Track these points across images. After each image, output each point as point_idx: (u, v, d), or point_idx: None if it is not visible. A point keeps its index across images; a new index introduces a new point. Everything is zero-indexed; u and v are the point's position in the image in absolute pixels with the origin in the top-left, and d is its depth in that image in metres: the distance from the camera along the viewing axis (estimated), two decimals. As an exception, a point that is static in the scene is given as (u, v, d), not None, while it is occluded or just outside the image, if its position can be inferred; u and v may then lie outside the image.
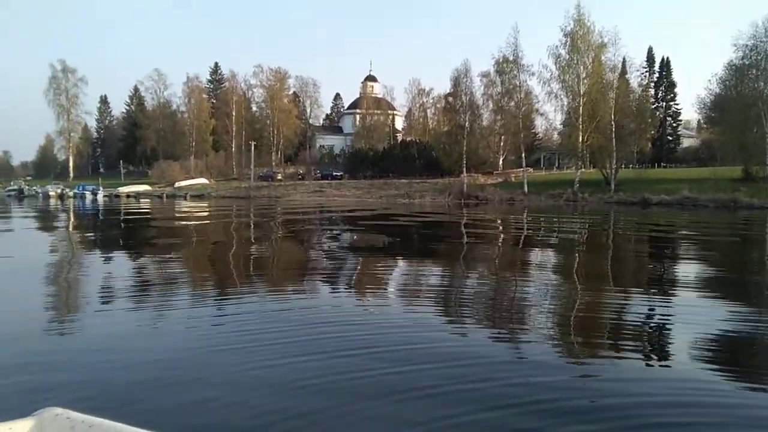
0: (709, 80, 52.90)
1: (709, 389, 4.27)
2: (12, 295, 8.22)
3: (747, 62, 45.17)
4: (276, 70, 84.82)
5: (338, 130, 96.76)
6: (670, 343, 5.67)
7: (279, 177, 72.53)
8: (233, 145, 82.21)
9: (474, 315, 6.86)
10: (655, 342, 5.75)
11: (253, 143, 74.05)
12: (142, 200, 55.26)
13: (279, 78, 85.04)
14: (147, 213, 35.09)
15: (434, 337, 5.66)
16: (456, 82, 60.24)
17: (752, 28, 44.63)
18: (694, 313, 6.74)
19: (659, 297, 8.16)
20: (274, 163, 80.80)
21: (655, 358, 5.20)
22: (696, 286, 9.39)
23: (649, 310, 7.12)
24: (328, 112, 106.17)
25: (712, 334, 5.79)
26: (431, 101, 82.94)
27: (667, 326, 6.35)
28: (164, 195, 61.29)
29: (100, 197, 60.10)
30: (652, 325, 6.49)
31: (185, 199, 57.11)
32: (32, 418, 1.63)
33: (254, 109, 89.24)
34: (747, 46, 44.61)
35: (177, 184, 68.82)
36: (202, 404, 3.94)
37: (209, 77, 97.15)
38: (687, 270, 11.23)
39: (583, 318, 6.67)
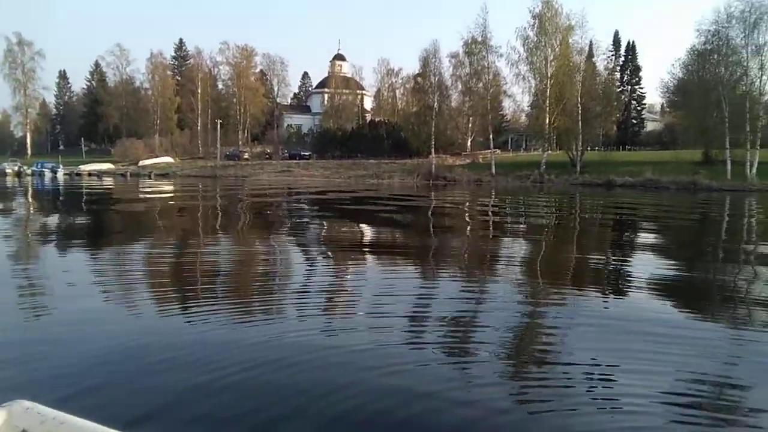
0: (673, 65, 54.11)
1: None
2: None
3: (709, 47, 45.99)
4: (242, 47, 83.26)
5: (306, 110, 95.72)
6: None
7: (246, 156, 71.58)
8: (199, 124, 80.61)
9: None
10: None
11: (219, 122, 72.72)
12: (104, 179, 53.93)
13: (246, 55, 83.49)
14: (110, 192, 34.26)
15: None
16: (425, 62, 60.15)
17: (715, 14, 45.56)
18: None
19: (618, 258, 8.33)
20: (240, 143, 79.65)
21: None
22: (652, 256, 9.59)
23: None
24: (296, 91, 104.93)
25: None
26: (400, 81, 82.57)
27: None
28: (128, 174, 59.95)
29: (60, 175, 58.47)
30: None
31: (149, 177, 55.97)
32: (1, 410, 1.57)
33: (220, 86, 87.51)
34: (709, 31, 45.40)
35: (141, 163, 67.35)
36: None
37: (174, 54, 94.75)
38: (642, 254, 11.44)
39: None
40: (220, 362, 4.18)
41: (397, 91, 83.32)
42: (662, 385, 3.90)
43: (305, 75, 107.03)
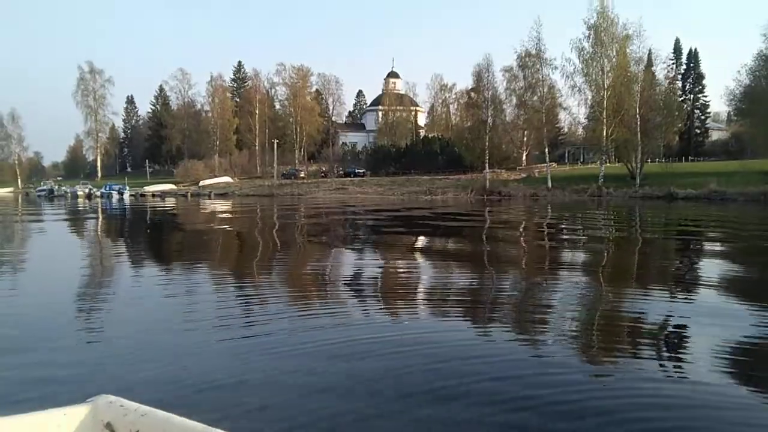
0: (739, 71, 51.80)
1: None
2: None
3: (777, 52, 44.14)
4: (299, 67, 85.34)
5: (361, 127, 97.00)
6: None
7: (302, 175, 73.01)
8: (257, 144, 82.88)
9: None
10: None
11: (275, 141, 74.58)
12: (167, 199, 56.07)
13: (301, 76, 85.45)
14: (172, 212, 35.58)
15: (458, 336, 5.61)
16: (478, 77, 59.98)
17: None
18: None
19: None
20: (297, 161, 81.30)
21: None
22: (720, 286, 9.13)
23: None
24: (351, 109, 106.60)
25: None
26: (454, 97, 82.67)
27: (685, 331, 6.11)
28: (189, 194, 62.12)
29: (126, 196, 61.17)
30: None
31: (209, 197, 57.80)
32: (87, 405, 1.68)
33: (277, 107, 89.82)
34: (776, 35, 43.55)
35: (201, 183, 69.71)
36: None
37: (233, 76, 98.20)
38: (711, 268, 10.97)
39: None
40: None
41: (451, 107, 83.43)
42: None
43: (360, 93, 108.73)
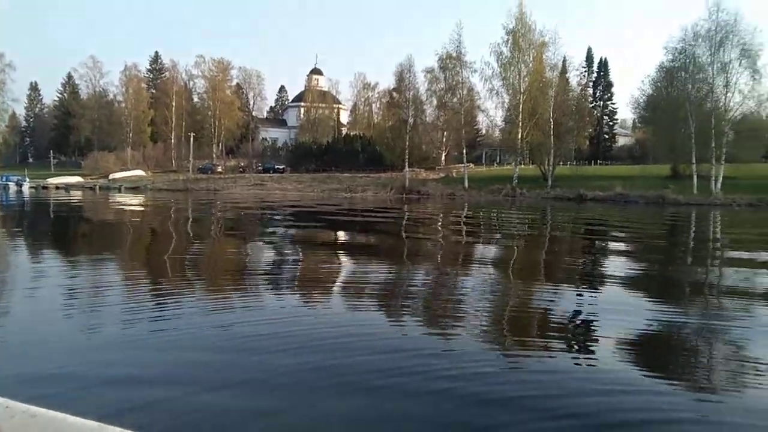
0: (643, 81, 54.96)
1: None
2: None
3: (676, 65, 46.97)
4: (219, 60, 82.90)
5: (282, 123, 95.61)
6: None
7: (219, 170, 71.01)
8: (172, 137, 79.90)
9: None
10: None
11: (192, 134, 72.17)
12: (72, 192, 52.99)
13: (222, 69, 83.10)
14: (77, 205, 33.64)
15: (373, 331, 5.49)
16: (400, 77, 60.49)
17: (682, 32, 46.45)
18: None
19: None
20: (214, 156, 79.04)
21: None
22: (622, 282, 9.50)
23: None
24: (272, 104, 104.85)
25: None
26: (376, 96, 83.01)
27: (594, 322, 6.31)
28: (97, 187, 58.94)
29: (25, 188, 57.28)
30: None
31: (119, 191, 55.15)
32: None
33: (195, 100, 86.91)
34: (676, 49, 46.36)
35: (111, 176, 66.32)
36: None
37: (149, 66, 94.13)
38: (615, 265, 11.46)
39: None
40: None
41: (373, 105, 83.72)
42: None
43: (282, 89, 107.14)
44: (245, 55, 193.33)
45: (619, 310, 6.44)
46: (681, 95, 45.77)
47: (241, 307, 6.48)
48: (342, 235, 16.53)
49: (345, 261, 10.91)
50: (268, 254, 11.86)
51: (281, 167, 71.52)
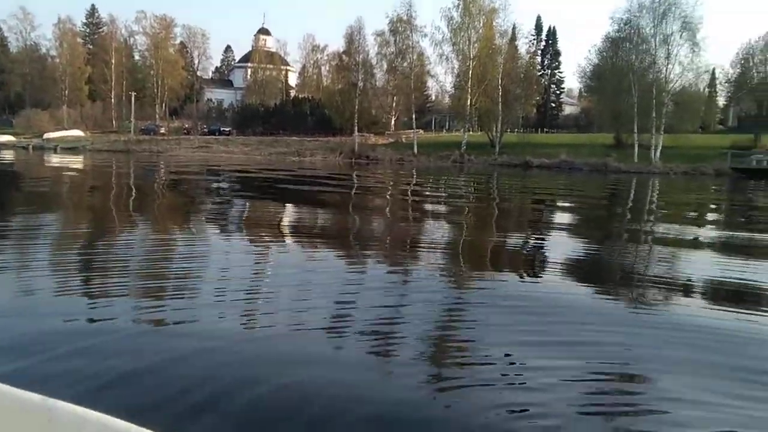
0: (589, 51, 55.91)
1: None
2: None
3: (621, 35, 47.86)
4: (161, 17, 79.14)
5: (228, 84, 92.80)
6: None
7: (162, 131, 68.51)
8: (112, 96, 76.36)
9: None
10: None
11: (133, 94, 69.26)
12: (3, 152, 50.26)
13: (164, 26, 79.46)
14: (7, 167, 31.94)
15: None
16: (350, 39, 59.38)
17: (627, 3, 47.20)
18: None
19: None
20: (157, 116, 76.16)
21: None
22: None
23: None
24: (218, 65, 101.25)
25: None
26: (326, 58, 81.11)
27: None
28: (30, 147, 56.02)
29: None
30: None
31: (55, 151, 52.64)
32: None
33: (137, 57, 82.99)
34: (622, 20, 47.19)
35: (46, 136, 63.00)
36: None
37: (85, 21, 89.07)
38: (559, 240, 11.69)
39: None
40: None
41: (323, 68, 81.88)
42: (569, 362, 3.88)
43: (228, 48, 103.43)
44: (190, 13, 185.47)
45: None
46: (625, 66, 46.75)
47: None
48: (291, 212, 16.12)
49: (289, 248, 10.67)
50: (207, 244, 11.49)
51: (227, 129, 69.61)
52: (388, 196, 19.19)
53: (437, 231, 11.35)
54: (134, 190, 18.44)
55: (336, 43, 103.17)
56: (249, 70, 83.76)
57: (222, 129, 69.45)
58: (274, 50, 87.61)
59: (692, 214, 16.99)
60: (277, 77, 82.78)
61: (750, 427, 2.97)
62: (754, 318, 5.04)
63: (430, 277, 6.55)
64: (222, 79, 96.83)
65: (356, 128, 55.33)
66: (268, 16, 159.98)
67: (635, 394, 3.46)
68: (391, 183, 25.97)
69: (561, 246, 9.45)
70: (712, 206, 20.42)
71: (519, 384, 3.52)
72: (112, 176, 25.87)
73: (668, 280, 7.02)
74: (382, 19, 74.85)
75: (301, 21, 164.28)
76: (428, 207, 16.47)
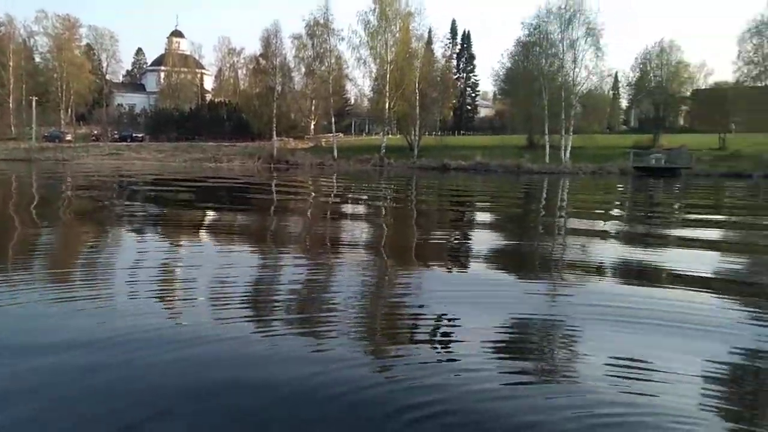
0: (502, 55, 57.69)
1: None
2: None
3: (532, 40, 49.68)
4: (64, 17, 74.91)
5: (140, 88, 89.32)
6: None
7: (68, 137, 64.93)
8: (11, 100, 71.48)
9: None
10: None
11: (35, 98, 65.24)
12: None
13: (68, 27, 75.16)
14: None
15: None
16: (266, 42, 58.60)
17: (537, 9, 49.17)
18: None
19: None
20: (63, 122, 72.11)
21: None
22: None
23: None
24: (129, 68, 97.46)
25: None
26: (242, 61, 79.69)
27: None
28: None
29: None
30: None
31: (-56, 161, 48.84)
32: None
33: (38, 60, 78.26)
34: (532, 25, 49.04)
35: (-66, 145, 58.39)
36: None
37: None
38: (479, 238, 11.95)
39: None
40: None
41: (239, 72, 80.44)
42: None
43: (139, 51, 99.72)
44: (96, 14, 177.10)
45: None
46: (536, 69, 48.61)
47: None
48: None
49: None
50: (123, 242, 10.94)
51: (140, 135, 66.86)
52: (310, 200, 19.00)
53: (366, 232, 11.32)
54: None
55: (253, 46, 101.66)
56: (162, 74, 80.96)
57: (134, 135, 66.64)
58: (188, 53, 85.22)
59: (599, 210, 17.85)
60: (192, 81, 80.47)
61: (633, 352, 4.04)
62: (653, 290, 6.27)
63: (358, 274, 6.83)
64: (133, 83, 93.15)
65: (275, 133, 54.63)
66: (181, 18, 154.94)
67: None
68: (312, 187, 25.74)
69: (483, 241, 10.41)
70: (617, 203, 21.54)
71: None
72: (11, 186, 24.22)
73: (582, 263, 8.08)
74: (300, 22, 74.10)
75: (216, 24, 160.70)
76: (353, 210, 16.43)
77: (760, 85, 46.45)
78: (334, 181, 31.25)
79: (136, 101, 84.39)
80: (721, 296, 5.84)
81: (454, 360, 3.97)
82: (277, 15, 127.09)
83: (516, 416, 3.04)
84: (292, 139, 59.39)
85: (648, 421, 2.96)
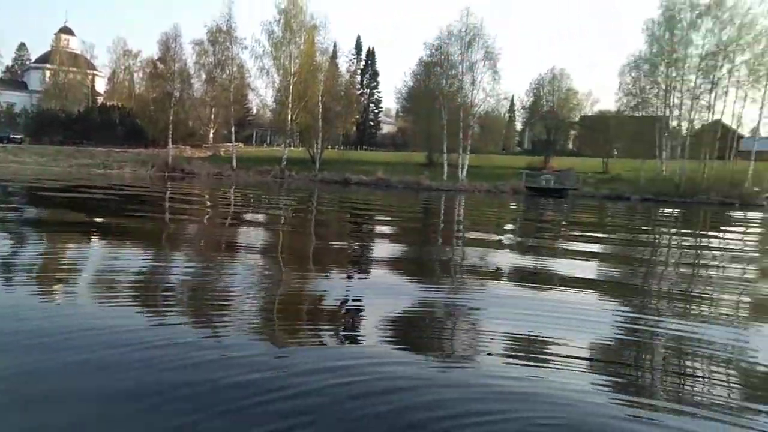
0: (405, 73, 58.99)
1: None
2: None
3: (433, 60, 51.14)
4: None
5: (22, 86, 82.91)
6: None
7: (-69, 138, 59.02)
8: None
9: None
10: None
11: None
12: None
13: (-62, 15, 69.10)
14: None
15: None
16: (165, 46, 56.45)
17: (439, 30, 50.69)
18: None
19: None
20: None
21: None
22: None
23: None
24: (10, 64, 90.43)
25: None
26: (139, 65, 76.32)
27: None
28: None
29: None
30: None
31: None
32: None
33: None
34: (434, 45, 50.54)
35: None
36: None
37: None
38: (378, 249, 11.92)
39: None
40: None
41: (135, 75, 76.99)
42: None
43: (22, 46, 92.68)
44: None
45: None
46: (436, 89, 50.00)
47: None
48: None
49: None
50: None
51: (18, 137, 61.89)
52: (205, 210, 18.20)
53: (265, 238, 10.91)
54: None
55: (151, 50, 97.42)
56: (48, 72, 75.66)
57: (12, 136, 61.53)
58: (78, 52, 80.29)
59: (494, 225, 18.48)
60: (83, 81, 75.85)
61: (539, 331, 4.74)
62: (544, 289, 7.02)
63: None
64: (14, 80, 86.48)
65: (171, 140, 52.49)
66: (72, 14, 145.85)
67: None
68: (207, 197, 24.77)
69: (384, 250, 10.80)
70: (511, 219, 22.41)
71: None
72: None
73: (479, 269, 8.64)
74: (202, 28, 71.69)
75: (110, 24, 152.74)
76: (251, 219, 15.87)
77: (638, 114, 50.18)
78: (232, 191, 30.35)
79: (17, 100, 78.12)
80: (600, 295, 6.87)
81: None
82: (177, 18, 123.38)
83: (412, 390, 3.34)
84: (189, 147, 57.34)
85: (540, 393, 3.38)
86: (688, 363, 4.27)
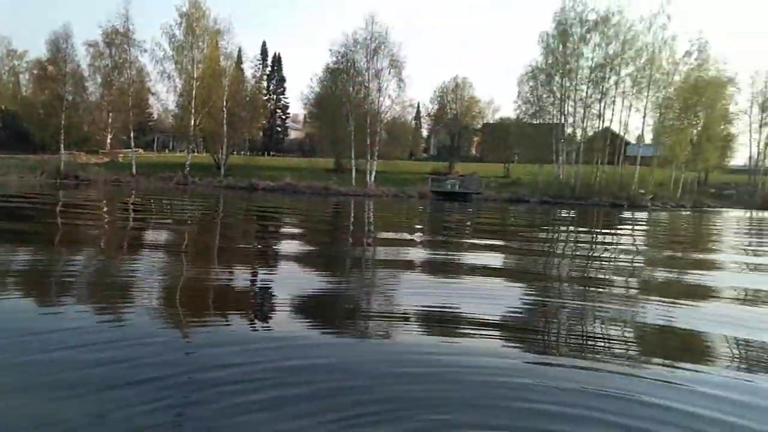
0: (311, 79, 58.87)
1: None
2: None
3: (340, 67, 51.36)
4: None
5: None
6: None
7: None
8: None
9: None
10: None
11: None
12: None
13: None
14: None
15: None
16: (55, 47, 52.98)
17: (344, 36, 50.96)
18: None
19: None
20: None
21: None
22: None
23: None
24: None
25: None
26: (25, 65, 71.36)
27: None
28: None
29: None
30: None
31: None
32: None
33: None
34: (339, 52, 50.71)
35: None
36: None
37: None
38: (287, 247, 12.05)
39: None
40: None
41: (21, 76, 71.93)
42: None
43: None
44: None
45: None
46: (343, 95, 50.25)
47: None
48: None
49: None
50: None
51: None
52: (103, 216, 17.35)
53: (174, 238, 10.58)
54: None
55: (39, 50, 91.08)
56: None
57: None
58: (-46, 50, 73.95)
59: (403, 226, 18.99)
60: (-40, 82, 69.99)
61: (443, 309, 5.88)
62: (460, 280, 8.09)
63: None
64: None
65: (63, 145, 49.44)
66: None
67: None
68: (103, 203, 23.61)
69: (293, 248, 11.49)
70: (419, 220, 23.11)
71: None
72: None
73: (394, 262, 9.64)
74: (96, 29, 67.66)
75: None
76: (152, 226, 15.31)
77: (536, 122, 52.87)
78: (131, 198, 29.10)
79: None
80: (505, 280, 8.06)
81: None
82: (68, 17, 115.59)
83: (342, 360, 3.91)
84: (84, 153, 54.24)
85: (460, 360, 3.98)
86: (588, 327, 5.32)
